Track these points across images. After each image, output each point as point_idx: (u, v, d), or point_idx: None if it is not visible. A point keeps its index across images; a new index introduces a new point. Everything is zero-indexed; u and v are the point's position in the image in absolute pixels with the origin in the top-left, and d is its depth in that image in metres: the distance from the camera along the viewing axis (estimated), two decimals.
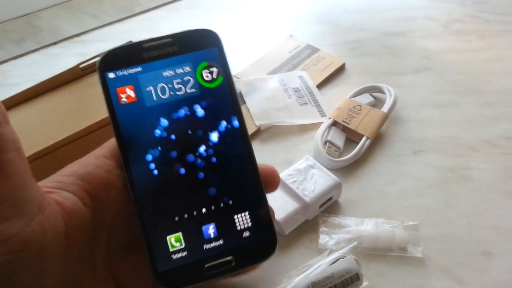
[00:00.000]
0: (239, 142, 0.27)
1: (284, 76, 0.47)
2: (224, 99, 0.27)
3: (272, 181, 0.27)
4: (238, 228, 0.26)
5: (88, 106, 0.38)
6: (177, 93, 0.27)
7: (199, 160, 0.26)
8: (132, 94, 0.26)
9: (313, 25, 0.57)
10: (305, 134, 0.42)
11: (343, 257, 0.30)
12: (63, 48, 0.55)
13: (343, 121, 0.40)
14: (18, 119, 0.38)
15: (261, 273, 0.32)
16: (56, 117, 0.38)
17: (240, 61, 0.51)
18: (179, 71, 0.27)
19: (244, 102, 0.44)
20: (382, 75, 0.49)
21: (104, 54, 0.26)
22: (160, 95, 0.26)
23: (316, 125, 0.42)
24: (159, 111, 0.26)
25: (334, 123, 0.40)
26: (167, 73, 0.27)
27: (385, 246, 0.32)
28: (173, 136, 0.26)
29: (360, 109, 0.41)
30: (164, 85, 0.27)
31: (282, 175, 0.35)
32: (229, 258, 0.25)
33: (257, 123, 0.42)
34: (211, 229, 0.26)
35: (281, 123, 0.42)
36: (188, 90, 0.27)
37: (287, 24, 0.57)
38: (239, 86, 0.46)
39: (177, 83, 0.27)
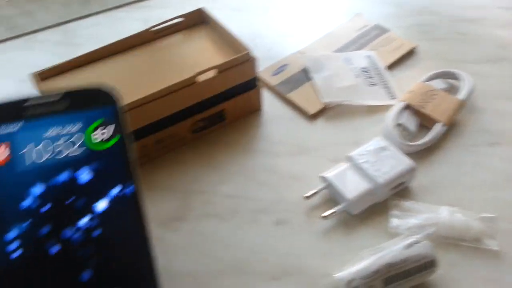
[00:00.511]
0: (132, 213, 0.22)
1: (352, 55, 0.45)
2: (117, 162, 0.23)
3: None
4: None
5: (161, 68, 0.38)
6: (57, 156, 0.22)
7: (77, 236, 0.21)
8: (6, 154, 0.22)
9: (381, 6, 0.55)
10: (372, 115, 0.41)
11: (418, 242, 0.29)
12: (127, 12, 0.55)
13: (417, 104, 0.38)
14: (95, 75, 0.38)
15: (329, 250, 0.32)
16: (131, 78, 0.38)
17: (306, 36, 0.49)
18: (64, 131, 0.23)
19: (310, 79, 0.43)
20: (454, 62, 0.46)
21: None
22: (35, 158, 0.22)
23: (384, 108, 0.41)
24: (31, 176, 0.22)
25: (406, 107, 0.39)
26: (50, 133, 0.23)
27: (460, 236, 0.31)
28: (46, 207, 0.21)
29: (435, 94, 0.39)
30: (42, 146, 0.22)
31: (353, 154, 0.34)
32: None
33: (324, 100, 0.41)
34: None
35: (348, 102, 0.41)
36: (71, 153, 0.23)
37: (354, 2, 0.56)
38: (305, 61, 0.45)
39: (59, 145, 0.23)
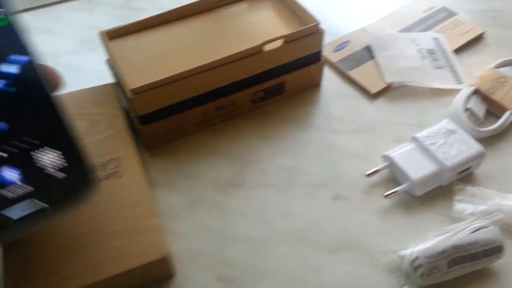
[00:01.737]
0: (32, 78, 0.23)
1: (418, 36, 0.44)
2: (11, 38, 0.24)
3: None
4: (41, 166, 0.22)
5: (226, 36, 0.38)
6: None
7: None
8: None
9: None
10: (437, 98, 0.40)
11: (486, 227, 0.28)
12: None
13: (487, 90, 0.37)
14: (161, 38, 0.38)
15: (389, 230, 0.31)
16: (195, 44, 0.38)
17: (368, 14, 0.48)
18: None
19: (374, 57, 0.42)
20: None
21: None
22: None
23: (449, 92, 0.39)
24: None
25: (475, 92, 0.38)
26: None
27: None
28: None
29: (506, 82, 0.38)
30: None
31: (419, 135, 0.33)
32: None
33: (388, 80, 0.40)
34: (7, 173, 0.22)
35: (412, 84, 0.40)
36: None
37: None
38: (368, 39, 0.44)
39: None
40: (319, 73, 0.40)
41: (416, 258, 0.27)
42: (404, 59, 0.42)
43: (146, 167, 0.36)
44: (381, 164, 0.34)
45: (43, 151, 0.22)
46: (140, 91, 0.33)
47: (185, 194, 0.34)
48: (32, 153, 0.22)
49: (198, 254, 0.31)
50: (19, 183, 0.22)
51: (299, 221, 0.32)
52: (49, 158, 0.22)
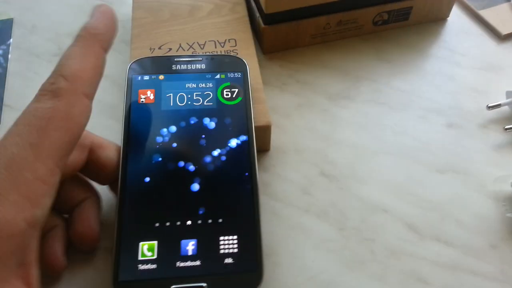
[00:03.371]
0: (244, 162, 0.26)
1: None
2: (238, 118, 0.27)
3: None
4: (222, 251, 0.23)
5: None
6: (194, 103, 0.28)
7: (199, 171, 0.25)
8: (151, 97, 0.28)
9: None
10: None
11: None
12: None
13: None
14: None
15: (502, 162, 0.30)
16: None
17: None
18: (201, 85, 0.28)
19: (509, 0, 0.40)
20: None
21: (135, 60, 0.29)
22: (178, 102, 0.28)
23: None
24: (171, 116, 0.27)
25: None
26: (190, 85, 0.28)
27: None
28: (178, 143, 0.26)
29: None
30: (183, 94, 0.28)
31: None
32: (203, 285, 0.22)
33: None
34: (190, 245, 0.23)
35: None
36: (205, 103, 0.28)
37: None
38: None
39: (196, 95, 0.28)
40: (450, 5, 0.39)
41: None
42: None
43: (261, 69, 0.37)
44: (504, 100, 0.33)
45: (227, 234, 0.23)
46: None
47: (296, 97, 0.35)
48: (217, 234, 0.23)
49: (304, 148, 0.32)
50: (193, 255, 0.23)
51: (408, 139, 0.32)
52: (229, 242, 0.23)
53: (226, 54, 0.32)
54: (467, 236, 0.27)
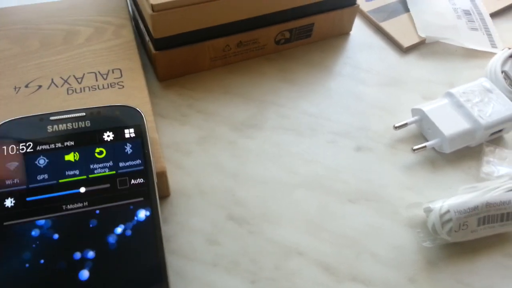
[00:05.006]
0: (149, 234, 0.22)
1: None
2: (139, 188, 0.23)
3: None
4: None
5: None
6: (77, 176, 0.23)
7: (87, 256, 0.21)
8: (18, 178, 0.22)
9: None
10: (469, 60, 0.37)
11: None
12: None
13: None
14: None
15: (413, 185, 0.30)
16: None
17: None
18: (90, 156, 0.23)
19: (408, 10, 0.40)
20: None
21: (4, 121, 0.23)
22: (54, 176, 0.22)
23: (483, 54, 0.37)
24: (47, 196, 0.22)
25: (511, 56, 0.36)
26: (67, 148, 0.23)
27: None
28: (57, 235, 0.21)
29: None
30: (63, 163, 0.23)
31: (454, 91, 0.31)
32: None
33: (422, 34, 0.38)
34: None
35: (448, 41, 0.38)
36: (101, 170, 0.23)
37: None
38: None
39: (76, 164, 0.23)
40: (351, 19, 0.38)
41: (447, 211, 0.25)
42: (440, 16, 0.39)
43: (157, 99, 0.33)
44: (410, 119, 0.32)
45: None
46: (162, 9, 0.30)
47: (198, 129, 0.32)
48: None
49: (209, 189, 0.29)
50: None
51: (319, 167, 0.30)
52: None
53: (114, 105, 0.26)
54: (384, 271, 0.26)
